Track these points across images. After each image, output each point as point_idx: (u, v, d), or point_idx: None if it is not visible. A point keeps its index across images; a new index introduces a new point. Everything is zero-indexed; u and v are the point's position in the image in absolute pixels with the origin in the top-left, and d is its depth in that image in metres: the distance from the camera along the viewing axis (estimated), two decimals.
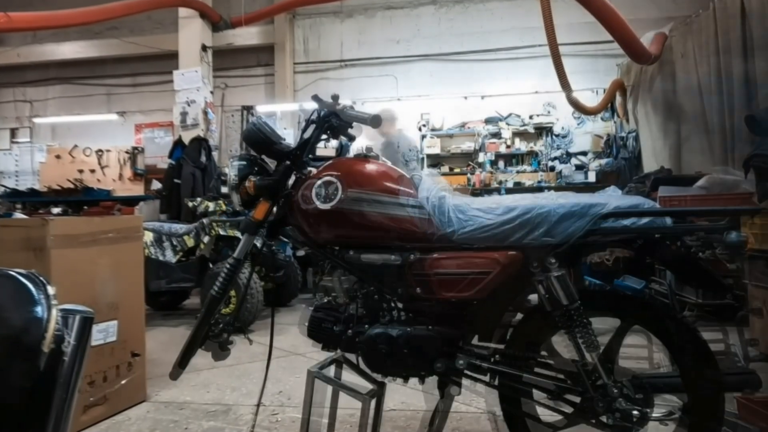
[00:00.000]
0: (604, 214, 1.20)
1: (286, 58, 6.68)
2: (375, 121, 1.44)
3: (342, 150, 1.63)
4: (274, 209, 1.51)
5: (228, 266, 1.51)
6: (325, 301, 1.52)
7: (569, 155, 5.85)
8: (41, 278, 0.58)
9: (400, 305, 1.42)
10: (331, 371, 1.57)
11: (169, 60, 6.17)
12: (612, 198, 1.27)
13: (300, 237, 1.48)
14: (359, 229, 1.37)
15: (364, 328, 1.40)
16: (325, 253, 1.47)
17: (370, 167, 1.45)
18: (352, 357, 1.53)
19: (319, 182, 1.39)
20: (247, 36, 6.62)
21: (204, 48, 5.84)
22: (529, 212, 1.25)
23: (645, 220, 1.22)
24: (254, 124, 1.50)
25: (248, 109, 6.71)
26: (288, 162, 1.49)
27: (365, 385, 1.51)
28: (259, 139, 1.48)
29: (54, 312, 0.55)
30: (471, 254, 1.31)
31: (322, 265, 1.63)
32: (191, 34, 5.82)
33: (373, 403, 1.49)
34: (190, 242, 3.63)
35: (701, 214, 1.60)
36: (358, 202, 1.35)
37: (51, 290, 0.56)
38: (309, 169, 1.48)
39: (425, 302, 1.36)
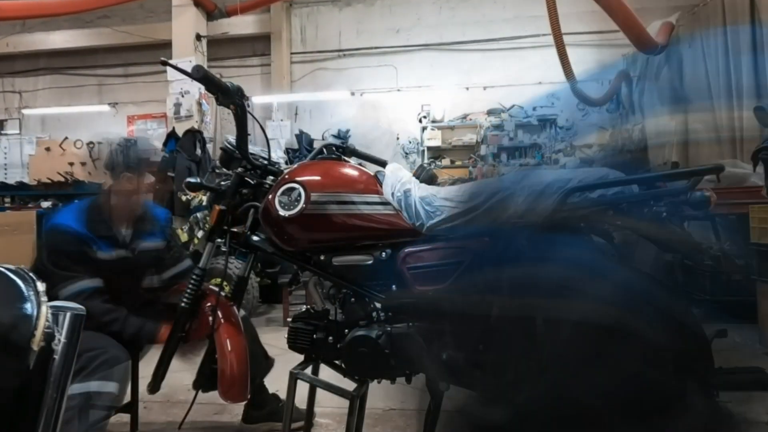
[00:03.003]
0: (569, 190, 1.17)
1: (283, 48, 6.55)
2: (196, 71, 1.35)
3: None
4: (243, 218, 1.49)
5: (194, 277, 1.47)
6: (303, 309, 1.50)
7: (573, 148, 5.77)
8: (31, 275, 0.56)
9: (378, 305, 1.38)
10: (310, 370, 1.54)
11: (162, 49, 5.99)
12: (577, 172, 1.25)
13: (269, 248, 1.45)
14: (327, 232, 1.35)
15: (344, 332, 1.36)
16: (296, 260, 1.44)
17: (332, 168, 1.44)
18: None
19: (281, 190, 1.36)
20: (242, 25, 6.49)
21: (198, 37, 5.73)
22: (493, 197, 1.22)
23: (613, 191, 1.20)
24: (221, 147, 1.56)
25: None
26: (240, 168, 1.47)
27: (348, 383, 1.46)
28: (223, 158, 1.53)
29: (44, 309, 0.54)
30: (441, 245, 1.30)
31: (296, 274, 1.64)
32: (185, 22, 5.71)
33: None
34: (183, 237, 3.54)
35: (664, 179, 1.56)
36: (322, 205, 1.32)
37: (41, 287, 0.55)
38: (269, 177, 1.47)
39: (403, 299, 1.34)
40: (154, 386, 1.53)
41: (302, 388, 1.62)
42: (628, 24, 4.09)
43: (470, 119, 6.18)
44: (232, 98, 1.38)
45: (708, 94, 4.27)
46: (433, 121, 6.26)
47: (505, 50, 6.15)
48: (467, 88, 6.19)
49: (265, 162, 1.50)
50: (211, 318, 1.46)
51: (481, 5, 6.26)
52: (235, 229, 1.50)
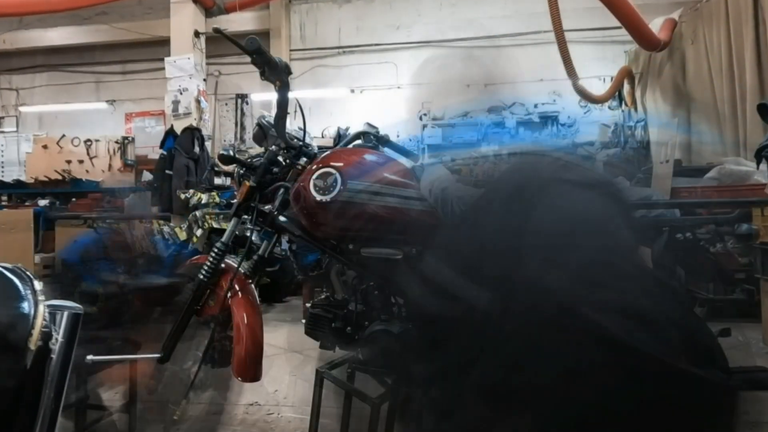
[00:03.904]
0: None
1: (282, 45, 6.51)
2: (250, 44, 1.36)
3: (340, 139, 1.59)
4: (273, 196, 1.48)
5: (215, 251, 1.45)
6: (323, 297, 1.48)
7: (575, 145, 5.74)
8: (28, 273, 0.56)
9: (401, 301, 1.36)
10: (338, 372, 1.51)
11: (160, 46, 6.00)
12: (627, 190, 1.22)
13: (296, 231, 1.43)
14: (358, 223, 1.32)
15: (363, 325, 1.34)
16: (323, 246, 1.41)
17: (370, 158, 1.41)
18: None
19: (317, 173, 1.34)
20: (241, 22, 6.43)
21: (197, 34, 5.68)
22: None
23: (655, 212, 1.14)
24: (257, 122, 1.57)
25: (242, 97, 6.54)
26: (274, 147, 1.45)
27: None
28: (257, 134, 1.54)
29: (41, 308, 0.53)
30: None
31: (319, 260, 1.61)
32: (183, 19, 5.65)
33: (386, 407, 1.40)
34: (182, 235, 3.51)
35: (711, 206, 1.53)
36: (357, 194, 1.30)
37: (38, 285, 0.55)
38: (303, 159, 1.45)
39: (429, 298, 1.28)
40: (164, 357, 1.51)
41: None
42: (631, 20, 4.07)
43: (471, 117, 6.14)
44: (279, 74, 1.36)
45: (711, 91, 4.25)
46: (434, 119, 6.22)
47: (506, 47, 6.11)
48: (468, 86, 6.15)
49: (300, 143, 1.47)
50: (228, 293, 1.43)
51: (482, 2, 6.23)
52: (262, 207, 1.48)
